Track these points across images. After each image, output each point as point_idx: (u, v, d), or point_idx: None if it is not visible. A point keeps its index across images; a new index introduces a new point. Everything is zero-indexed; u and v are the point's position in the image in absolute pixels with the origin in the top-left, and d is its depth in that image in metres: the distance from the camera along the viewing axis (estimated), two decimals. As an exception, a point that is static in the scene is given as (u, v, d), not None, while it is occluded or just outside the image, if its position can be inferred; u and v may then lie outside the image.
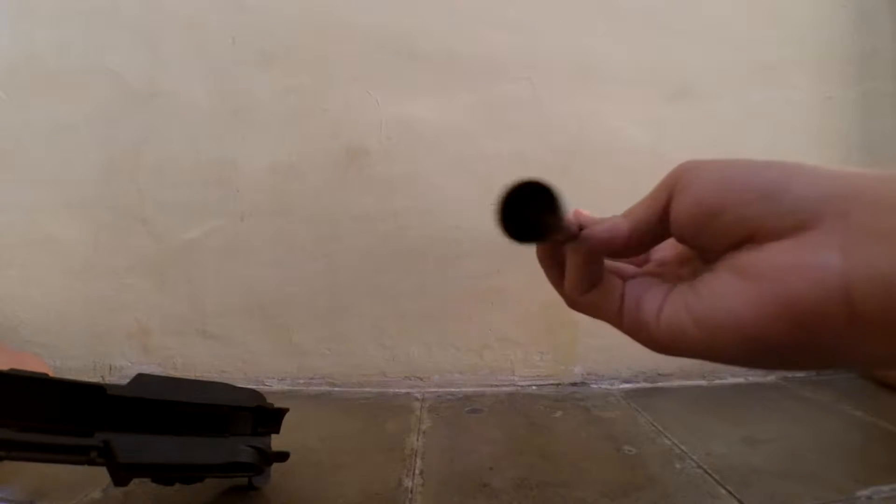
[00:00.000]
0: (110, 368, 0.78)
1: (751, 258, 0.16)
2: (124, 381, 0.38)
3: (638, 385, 0.78)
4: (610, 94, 0.77)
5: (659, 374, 0.80)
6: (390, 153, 0.76)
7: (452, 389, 0.77)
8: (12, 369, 0.34)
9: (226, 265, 0.77)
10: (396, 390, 0.77)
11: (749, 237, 0.16)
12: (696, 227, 0.17)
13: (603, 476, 0.49)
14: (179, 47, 0.75)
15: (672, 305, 0.18)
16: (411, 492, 0.46)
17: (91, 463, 0.32)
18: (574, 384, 0.79)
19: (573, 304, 0.23)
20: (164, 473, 0.38)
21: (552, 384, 0.79)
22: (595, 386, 0.78)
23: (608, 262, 0.23)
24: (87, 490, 0.45)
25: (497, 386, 0.78)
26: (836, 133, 0.81)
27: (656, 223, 0.19)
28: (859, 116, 0.81)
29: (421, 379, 0.78)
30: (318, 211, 0.76)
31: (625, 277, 0.21)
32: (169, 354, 0.78)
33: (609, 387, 0.78)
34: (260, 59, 0.75)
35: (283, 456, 0.45)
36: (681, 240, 0.19)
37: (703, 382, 0.80)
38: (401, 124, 0.76)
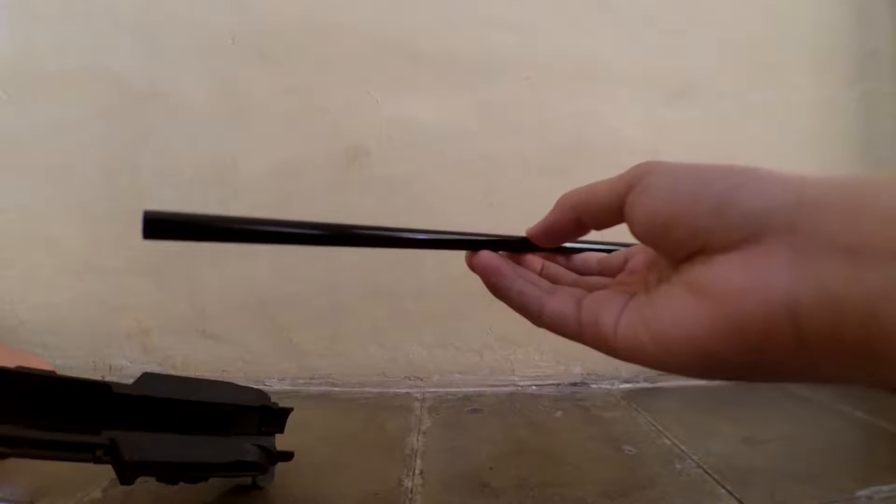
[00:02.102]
0: (110, 368, 0.78)
1: (702, 274, 0.16)
2: (125, 381, 0.38)
3: (638, 385, 0.78)
4: (610, 94, 0.77)
5: (659, 374, 0.80)
6: (390, 153, 0.76)
7: (452, 389, 0.77)
8: (19, 367, 0.35)
9: (226, 265, 0.77)
10: (396, 390, 0.77)
11: (700, 249, 0.16)
12: (650, 235, 0.18)
13: (603, 476, 0.49)
14: (179, 47, 0.75)
15: (628, 318, 0.19)
16: (411, 492, 0.46)
17: (97, 461, 0.32)
18: (574, 384, 0.79)
19: (537, 323, 0.23)
20: (170, 472, 0.38)
21: (552, 384, 0.79)
22: (595, 386, 0.78)
23: (578, 277, 0.25)
24: (88, 489, 0.45)
25: (497, 386, 0.78)
26: (836, 133, 0.81)
27: (612, 209, 0.19)
28: (859, 116, 0.81)
29: (421, 379, 0.78)
30: (318, 211, 0.76)
31: (591, 290, 0.22)
32: (169, 354, 0.78)
33: (609, 387, 0.78)
34: (260, 59, 0.75)
35: (287, 455, 0.45)
36: (639, 239, 0.19)
37: (703, 382, 0.80)
38: (401, 124, 0.76)
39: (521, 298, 0.23)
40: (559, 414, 0.67)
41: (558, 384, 0.78)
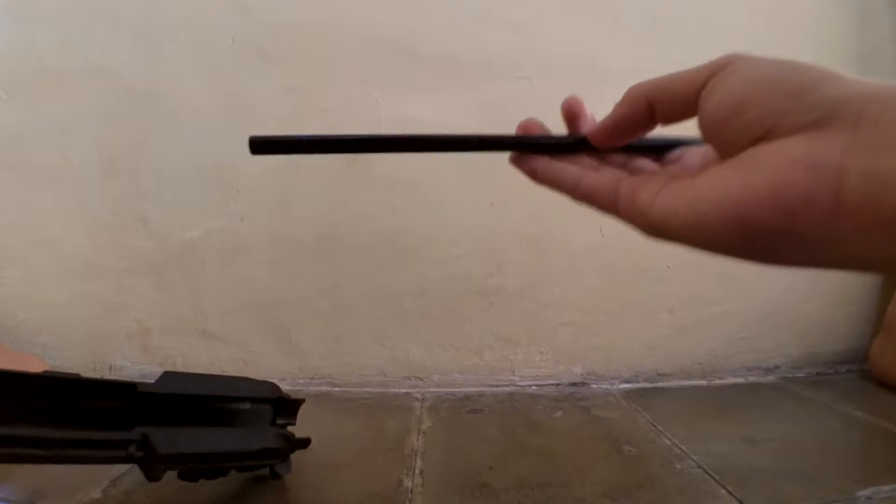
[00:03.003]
0: (110, 368, 0.78)
1: (758, 150, 0.16)
2: (118, 379, 0.39)
3: (638, 385, 0.78)
4: (610, 93, 0.77)
5: (659, 374, 0.80)
6: (390, 153, 0.76)
7: (452, 389, 0.77)
8: (46, 371, 0.35)
9: (226, 265, 0.77)
10: (396, 390, 0.77)
11: (768, 132, 0.16)
12: (720, 118, 0.18)
13: (603, 476, 0.49)
14: (179, 47, 0.75)
15: (668, 191, 0.19)
16: (411, 492, 0.46)
17: (128, 458, 0.33)
18: (574, 384, 0.79)
19: (573, 197, 0.24)
20: (200, 463, 0.39)
21: (552, 384, 0.79)
22: (595, 386, 0.78)
23: (626, 158, 0.24)
24: (87, 490, 0.45)
25: (497, 386, 0.78)
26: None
27: (688, 98, 0.19)
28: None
29: (421, 379, 0.78)
30: (318, 211, 0.76)
31: (634, 174, 0.22)
32: (169, 354, 0.78)
33: (609, 387, 0.78)
34: (260, 59, 0.75)
35: (305, 442, 0.46)
36: (704, 128, 0.19)
37: (703, 382, 0.80)
38: (401, 124, 0.76)
39: (560, 175, 0.24)
40: (559, 414, 0.67)
41: (558, 384, 0.78)
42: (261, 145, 0.24)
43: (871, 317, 0.85)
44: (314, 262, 0.77)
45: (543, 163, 0.25)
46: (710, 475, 0.48)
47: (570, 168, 0.24)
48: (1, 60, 0.75)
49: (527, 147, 0.25)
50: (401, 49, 0.75)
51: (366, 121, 0.76)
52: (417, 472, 0.50)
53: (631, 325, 0.80)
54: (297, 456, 0.47)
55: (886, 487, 0.45)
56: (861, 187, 0.14)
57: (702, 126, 0.19)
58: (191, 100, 0.75)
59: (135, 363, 0.78)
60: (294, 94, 0.76)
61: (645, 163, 0.24)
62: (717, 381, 0.80)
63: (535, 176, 0.25)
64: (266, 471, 0.47)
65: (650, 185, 0.20)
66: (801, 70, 0.16)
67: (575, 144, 0.25)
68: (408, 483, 0.48)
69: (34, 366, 0.68)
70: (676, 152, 0.24)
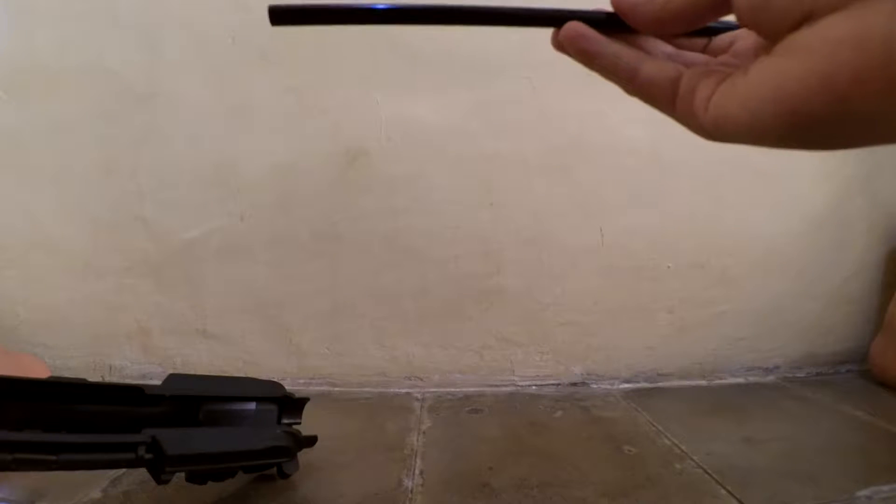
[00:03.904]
0: (110, 368, 0.78)
1: (803, 36, 0.16)
2: (125, 382, 0.39)
3: (638, 385, 0.78)
4: (610, 93, 0.77)
5: (659, 374, 0.80)
6: (390, 153, 0.76)
7: (452, 389, 0.77)
8: (52, 376, 0.36)
9: (226, 265, 0.77)
10: (396, 390, 0.77)
11: (807, 14, 0.15)
12: (755, 6, 0.17)
13: (603, 476, 0.49)
14: (179, 47, 0.75)
15: (721, 92, 0.18)
16: (411, 492, 0.46)
17: (137, 461, 0.33)
18: (574, 384, 0.79)
19: (628, 89, 0.22)
20: (209, 463, 0.39)
21: (552, 384, 0.79)
22: (595, 386, 0.78)
23: (674, 51, 0.22)
24: (87, 490, 0.45)
25: (497, 386, 0.78)
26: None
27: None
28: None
29: (421, 379, 0.78)
30: (318, 211, 0.76)
31: (689, 66, 0.21)
32: (169, 354, 0.78)
33: (609, 387, 0.78)
34: (260, 59, 0.75)
35: (312, 440, 0.47)
36: (742, 21, 0.18)
37: (703, 382, 0.80)
38: (401, 124, 0.76)
39: (615, 60, 0.21)
40: (559, 414, 0.67)
41: (558, 384, 0.78)
42: (281, 14, 0.23)
43: (871, 317, 0.84)
44: (314, 262, 0.77)
45: (599, 43, 0.21)
46: (710, 475, 0.48)
47: (628, 52, 0.21)
48: (1, 60, 0.75)
49: (560, 20, 0.22)
50: (401, 49, 0.75)
51: (366, 121, 0.76)
52: (417, 472, 0.50)
53: (631, 325, 0.80)
54: (297, 456, 0.47)
55: (886, 487, 0.45)
56: None
57: (738, 17, 0.18)
58: (191, 100, 0.75)
59: (135, 363, 0.78)
60: (294, 94, 0.76)
61: (695, 55, 0.22)
62: (717, 381, 0.80)
63: (587, 57, 0.22)
64: (269, 471, 0.47)
65: (707, 82, 0.19)
66: None
67: (611, 20, 0.22)
68: (408, 483, 0.48)
69: (34, 366, 0.68)
70: (726, 38, 0.22)
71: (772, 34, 0.17)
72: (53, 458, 0.29)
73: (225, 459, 0.40)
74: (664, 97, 0.21)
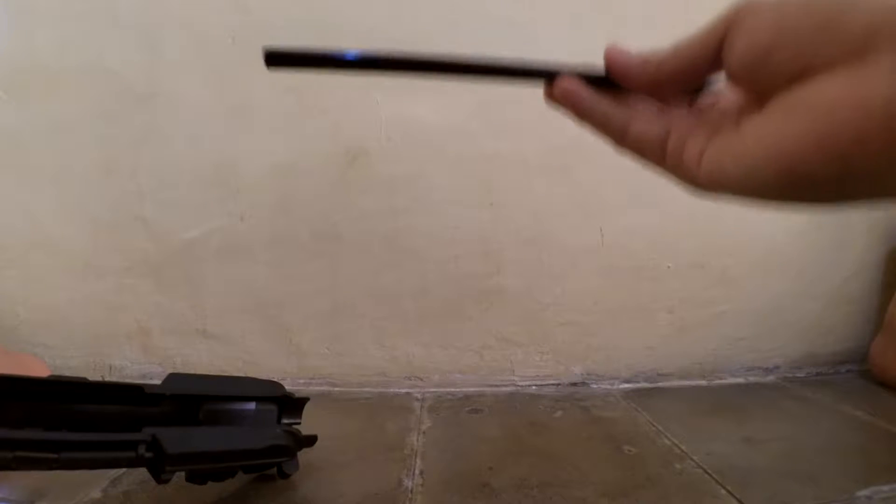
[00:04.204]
0: (110, 368, 0.78)
1: (800, 94, 0.15)
2: (125, 382, 0.39)
3: (638, 385, 0.78)
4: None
5: (659, 374, 0.80)
6: (390, 153, 0.76)
7: (452, 389, 0.77)
8: (52, 375, 0.36)
9: (226, 265, 0.77)
10: (396, 390, 0.77)
11: (802, 71, 0.15)
12: (750, 65, 0.17)
13: (603, 476, 0.49)
14: (179, 47, 0.75)
15: (714, 146, 0.18)
16: (411, 492, 0.46)
17: (137, 460, 0.33)
18: (574, 384, 0.79)
19: (618, 145, 0.23)
20: (209, 462, 0.39)
21: (552, 384, 0.79)
22: (595, 386, 0.78)
23: (660, 107, 0.23)
24: (88, 490, 0.45)
25: (497, 386, 0.78)
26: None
27: (708, 56, 0.19)
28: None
29: (421, 379, 0.78)
30: (318, 211, 0.76)
31: (675, 122, 0.21)
32: (169, 354, 0.78)
33: (609, 387, 0.78)
34: (260, 59, 0.75)
35: (312, 440, 0.47)
36: (734, 80, 0.18)
37: (703, 382, 0.80)
38: (401, 124, 0.76)
39: (605, 118, 0.22)
40: (559, 414, 0.67)
41: (558, 384, 0.78)
42: (277, 58, 0.23)
43: (871, 317, 0.85)
44: (314, 262, 0.77)
45: (590, 100, 0.22)
46: (710, 475, 0.48)
47: (616, 110, 0.22)
48: (1, 60, 0.75)
49: (552, 76, 0.23)
50: (401, 49, 0.75)
51: (366, 121, 0.76)
52: (417, 472, 0.50)
53: (631, 325, 0.80)
54: (297, 456, 0.47)
55: (886, 487, 0.45)
56: None
57: (731, 77, 0.18)
58: (191, 100, 0.75)
59: (135, 363, 0.78)
60: (294, 94, 0.76)
61: (681, 112, 0.23)
62: (717, 381, 0.80)
63: (578, 113, 0.23)
64: (269, 471, 0.47)
65: (695, 139, 0.19)
66: (818, 0, 0.15)
67: (602, 80, 0.22)
68: (408, 483, 0.48)
69: (34, 366, 0.68)
70: (710, 94, 0.22)
71: (764, 91, 0.17)
72: (54, 456, 0.29)
73: (225, 458, 0.40)
74: (654, 154, 0.21)
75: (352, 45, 0.24)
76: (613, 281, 0.79)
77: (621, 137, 0.22)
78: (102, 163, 0.76)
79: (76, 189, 0.76)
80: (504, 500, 0.45)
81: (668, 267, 0.79)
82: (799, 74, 0.16)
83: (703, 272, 0.80)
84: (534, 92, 0.79)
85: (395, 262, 0.77)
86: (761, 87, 0.17)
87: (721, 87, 0.22)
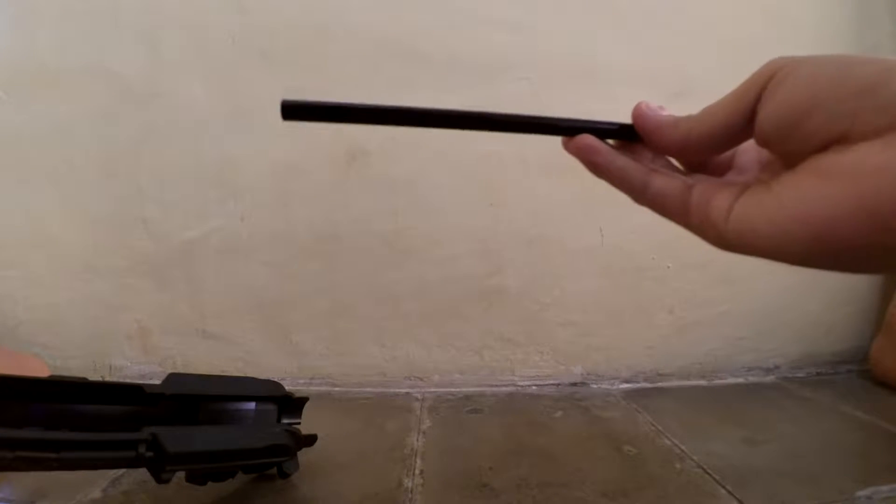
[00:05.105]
0: (110, 368, 0.78)
1: (837, 159, 0.15)
2: (125, 382, 0.39)
3: (638, 385, 0.78)
4: (609, 93, 0.77)
5: (659, 374, 0.80)
6: (390, 153, 0.76)
7: (452, 389, 0.77)
8: (52, 375, 0.36)
9: (226, 265, 0.77)
10: (396, 390, 0.77)
11: (839, 137, 0.15)
12: (784, 129, 0.17)
13: (603, 476, 0.49)
14: (179, 47, 0.75)
15: (743, 204, 0.18)
16: (411, 492, 0.46)
17: (138, 460, 0.33)
18: (574, 384, 0.79)
19: (638, 200, 0.22)
20: (209, 462, 0.39)
21: (552, 384, 0.79)
22: (595, 386, 0.78)
23: (675, 163, 0.22)
24: (88, 490, 0.45)
25: (497, 386, 0.78)
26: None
27: (741, 123, 0.18)
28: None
29: (421, 379, 0.78)
30: (318, 211, 0.76)
31: (692, 178, 0.21)
32: (169, 354, 0.78)
33: (609, 387, 0.78)
34: (260, 59, 0.75)
35: (312, 439, 0.47)
36: (764, 144, 0.18)
37: (703, 382, 0.80)
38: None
39: (623, 174, 0.22)
40: (559, 414, 0.67)
41: (558, 384, 0.78)
42: (293, 110, 0.23)
43: (871, 317, 0.84)
44: (314, 262, 0.77)
45: (608, 156, 0.22)
46: (710, 475, 0.48)
47: (637, 166, 0.22)
48: (1, 60, 0.75)
49: (574, 131, 0.23)
50: (401, 49, 0.75)
51: (366, 121, 0.75)
52: (417, 472, 0.50)
53: (631, 325, 0.80)
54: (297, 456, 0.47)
55: (886, 487, 0.45)
56: None
57: (761, 139, 0.18)
58: (191, 100, 0.75)
59: (135, 363, 0.78)
60: (294, 94, 0.75)
61: (700, 175, 0.22)
62: (717, 381, 0.80)
63: (596, 169, 0.23)
64: (269, 471, 0.47)
65: (723, 194, 0.19)
66: (860, 65, 0.15)
67: (623, 131, 0.22)
68: (408, 483, 0.48)
69: (35, 366, 0.68)
70: (725, 154, 0.22)
71: (795, 156, 0.17)
72: (54, 455, 0.29)
73: (225, 458, 0.40)
74: (676, 209, 0.21)
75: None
76: (613, 281, 0.79)
77: (641, 193, 0.22)
78: (102, 163, 0.76)
79: (76, 189, 0.76)
80: (504, 500, 0.45)
81: (668, 267, 0.79)
82: (836, 139, 0.15)
83: (704, 272, 0.80)
84: (533, 92, 0.79)
85: (395, 262, 0.77)
86: (792, 149, 0.17)
87: (740, 146, 0.22)
